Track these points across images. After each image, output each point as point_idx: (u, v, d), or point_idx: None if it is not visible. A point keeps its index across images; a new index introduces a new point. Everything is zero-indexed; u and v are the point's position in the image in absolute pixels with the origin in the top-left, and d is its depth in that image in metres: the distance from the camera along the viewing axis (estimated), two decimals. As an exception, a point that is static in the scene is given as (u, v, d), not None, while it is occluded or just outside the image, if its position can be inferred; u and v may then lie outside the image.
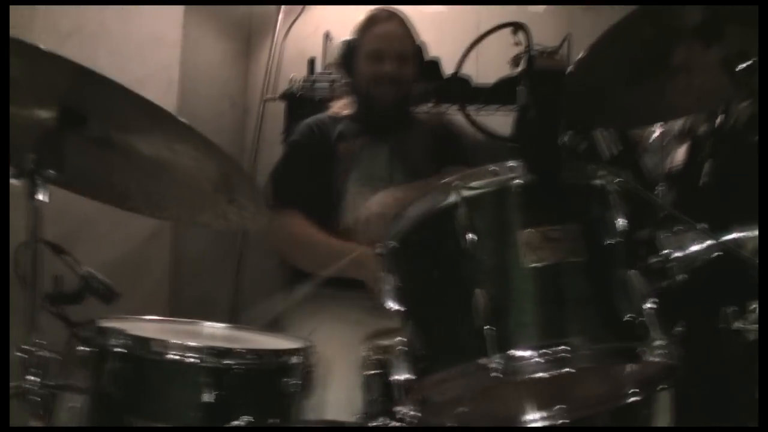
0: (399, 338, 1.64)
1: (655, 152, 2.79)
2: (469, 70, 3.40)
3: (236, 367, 1.72)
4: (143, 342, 1.72)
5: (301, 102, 3.82)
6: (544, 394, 1.68)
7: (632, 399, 1.65)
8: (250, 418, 1.72)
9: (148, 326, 1.97)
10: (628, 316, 1.44)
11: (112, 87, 1.47)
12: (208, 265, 4.11)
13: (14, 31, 2.58)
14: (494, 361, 1.39)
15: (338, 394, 2.12)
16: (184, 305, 3.77)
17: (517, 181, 1.49)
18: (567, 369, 1.40)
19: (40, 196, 1.57)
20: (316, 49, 4.13)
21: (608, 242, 1.50)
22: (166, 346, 1.70)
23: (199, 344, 1.72)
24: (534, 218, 1.48)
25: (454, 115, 3.35)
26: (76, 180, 1.79)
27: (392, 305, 1.63)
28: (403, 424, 1.71)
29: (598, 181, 1.55)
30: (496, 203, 1.51)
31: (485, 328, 1.41)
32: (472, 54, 1.69)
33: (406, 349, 1.61)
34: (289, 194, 2.75)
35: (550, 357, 1.39)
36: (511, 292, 1.45)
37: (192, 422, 1.70)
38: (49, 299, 1.73)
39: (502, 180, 1.51)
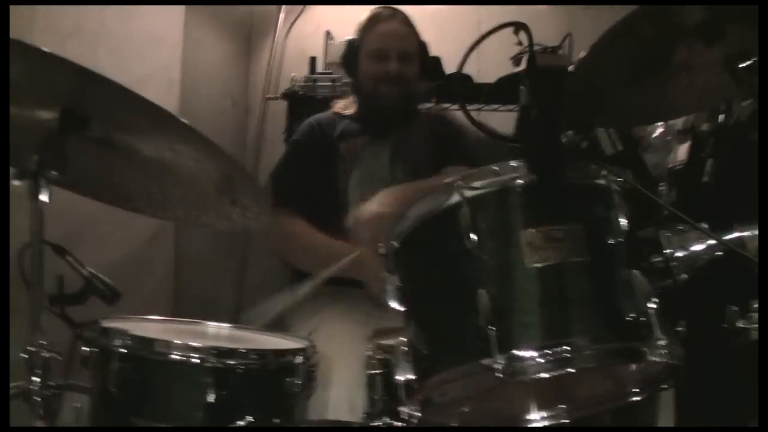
0: (401, 338, 1.64)
1: (657, 150, 2.80)
2: (470, 68, 3.38)
3: (239, 367, 1.72)
4: (147, 342, 1.72)
5: (302, 101, 3.83)
6: (546, 394, 1.69)
7: (635, 398, 1.66)
8: (252, 419, 1.72)
9: (151, 326, 1.97)
10: (630, 315, 1.44)
11: (114, 88, 1.47)
12: (210, 264, 4.11)
13: (15, 32, 2.58)
14: (497, 362, 1.39)
15: (341, 394, 2.13)
16: (187, 305, 3.77)
17: (520, 181, 1.49)
18: (569, 369, 1.40)
19: (43, 197, 1.57)
20: (316, 48, 4.14)
21: (610, 242, 1.50)
22: (169, 346, 1.71)
23: (203, 345, 1.72)
24: (536, 218, 1.48)
25: (456, 113, 3.35)
26: (79, 181, 1.79)
27: (395, 305, 1.63)
28: (405, 424, 1.71)
29: (600, 181, 1.55)
30: (498, 203, 1.51)
31: (488, 328, 1.41)
32: (473, 52, 1.69)
33: (409, 349, 1.61)
34: (288, 195, 2.75)
35: (553, 357, 1.39)
36: (514, 292, 1.45)
37: (195, 423, 1.71)
38: (52, 300, 1.73)
39: (504, 180, 1.51)
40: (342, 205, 2.79)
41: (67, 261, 1.81)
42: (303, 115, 3.16)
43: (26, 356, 1.54)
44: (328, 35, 4.07)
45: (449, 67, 3.65)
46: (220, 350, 1.72)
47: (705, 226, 1.58)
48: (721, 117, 2.36)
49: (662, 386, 1.64)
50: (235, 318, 4.09)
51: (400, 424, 1.78)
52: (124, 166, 1.76)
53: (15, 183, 1.58)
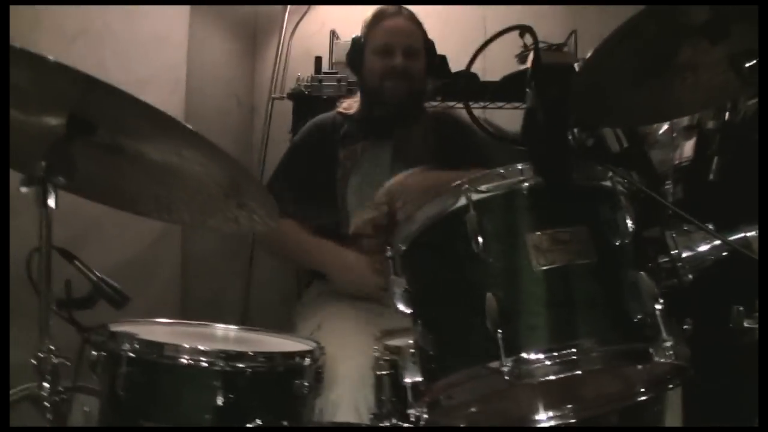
0: (409, 340, 1.65)
1: (663, 147, 2.79)
2: (476, 67, 3.36)
3: (247, 370, 1.73)
4: (156, 346, 1.73)
5: (308, 101, 3.82)
6: (554, 394, 1.69)
7: (642, 398, 1.66)
8: (260, 422, 1.73)
9: (159, 329, 1.98)
10: (637, 317, 1.44)
11: (119, 95, 1.47)
12: (218, 265, 4.12)
13: (19, 34, 2.61)
14: (504, 365, 1.40)
15: (346, 394, 2.13)
16: (195, 306, 3.78)
17: (526, 183, 1.50)
18: (576, 372, 1.41)
19: (51, 203, 1.58)
20: (322, 48, 4.13)
21: (617, 244, 1.50)
22: (177, 350, 1.71)
23: (211, 348, 1.72)
24: (543, 221, 1.49)
25: (465, 112, 3.34)
26: (86, 186, 1.79)
27: (402, 308, 1.64)
28: (412, 425, 1.72)
29: (606, 183, 1.56)
30: (505, 206, 1.52)
31: (495, 331, 1.41)
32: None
33: (416, 351, 1.61)
34: (285, 201, 2.74)
35: (560, 360, 1.40)
36: (521, 295, 1.46)
37: (204, 426, 1.71)
38: (60, 304, 1.74)
39: (510, 183, 1.51)
40: (341, 211, 2.79)
41: (75, 266, 1.81)
42: (309, 115, 3.16)
43: (35, 362, 1.54)
44: (334, 35, 4.07)
45: (454, 64, 3.65)
46: (228, 353, 1.72)
47: (710, 226, 1.58)
48: (726, 115, 2.35)
49: (669, 386, 1.64)
50: (243, 318, 4.13)
51: (407, 425, 1.79)
52: (131, 170, 1.76)
53: (23, 190, 1.58)
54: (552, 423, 1.73)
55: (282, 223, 2.68)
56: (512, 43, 1.73)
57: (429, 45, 2.94)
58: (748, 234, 1.57)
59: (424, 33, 2.93)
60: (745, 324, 1.60)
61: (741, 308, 1.62)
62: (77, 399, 1.85)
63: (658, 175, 2.63)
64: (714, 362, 1.94)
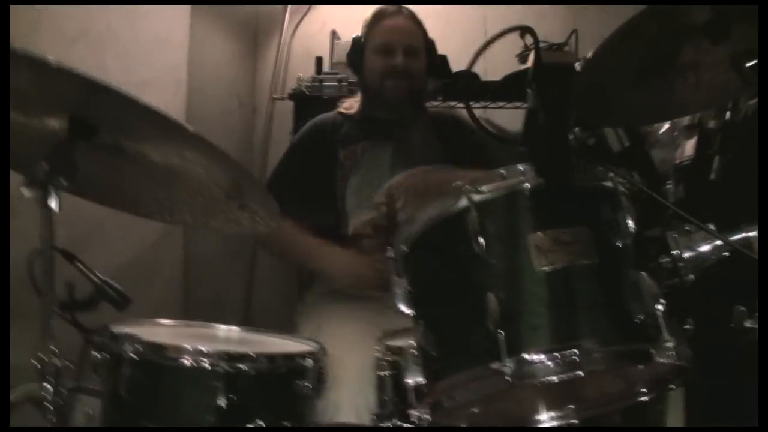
0: (410, 341, 1.65)
1: (664, 146, 2.79)
2: (476, 66, 3.37)
3: (249, 371, 1.73)
4: (158, 348, 1.73)
5: (309, 101, 3.83)
6: (556, 394, 1.69)
7: (644, 398, 1.66)
8: (262, 423, 1.73)
9: (162, 330, 1.98)
10: (639, 317, 1.45)
11: (121, 97, 1.47)
12: (219, 266, 4.12)
13: (21, 35, 2.61)
14: (506, 366, 1.40)
15: (348, 395, 2.13)
16: (196, 306, 3.78)
17: (527, 184, 1.50)
18: (578, 373, 1.41)
19: (53, 205, 1.58)
20: (323, 48, 4.13)
21: (618, 244, 1.51)
22: (180, 351, 1.71)
23: (213, 349, 1.72)
24: (544, 221, 1.49)
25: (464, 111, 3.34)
26: (88, 188, 1.79)
27: (403, 309, 1.64)
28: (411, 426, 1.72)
29: (607, 183, 1.56)
30: (506, 207, 1.52)
31: (497, 331, 1.41)
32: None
33: (418, 352, 1.61)
34: (283, 200, 2.73)
35: (562, 361, 1.40)
36: (522, 296, 1.46)
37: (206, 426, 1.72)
38: (62, 307, 1.74)
39: (512, 184, 1.51)
40: (340, 212, 2.79)
41: (77, 268, 1.81)
42: (309, 115, 3.16)
43: (38, 364, 1.55)
44: (335, 35, 4.07)
45: (455, 64, 3.65)
46: (230, 355, 1.72)
47: (711, 226, 1.58)
48: (727, 114, 2.35)
49: (671, 386, 1.64)
50: (245, 318, 4.13)
51: (408, 425, 1.79)
52: (133, 172, 1.76)
53: (25, 192, 1.58)
54: (553, 423, 1.73)
55: (280, 223, 2.70)
56: (513, 42, 1.73)
57: (429, 44, 2.94)
58: (750, 234, 1.57)
59: (424, 32, 2.93)
60: (747, 324, 1.60)
61: (742, 308, 1.62)
62: (79, 400, 1.85)
63: (659, 175, 2.64)
64: (716, 362, 1.94)
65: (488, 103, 3.68)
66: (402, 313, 1.64)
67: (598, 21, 3.90)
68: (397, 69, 2.82)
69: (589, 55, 1.63)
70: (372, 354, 2.01)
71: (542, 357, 1.40)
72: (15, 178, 1.68)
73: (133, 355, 1.72)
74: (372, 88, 2.89)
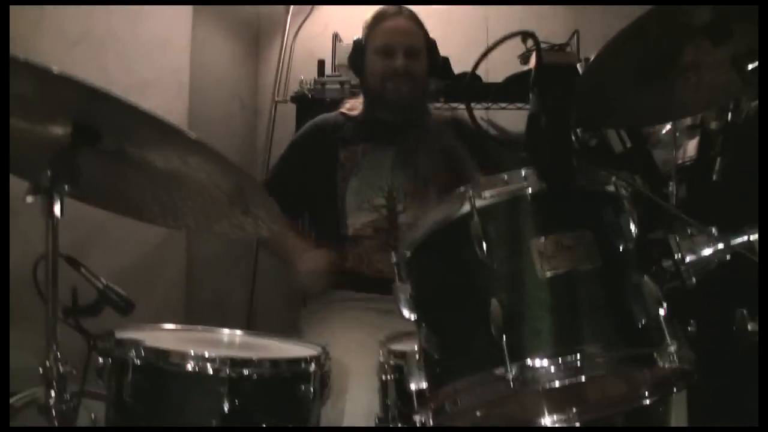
0: (413, 345, 1.65)
1: (666, 146, 2.80)
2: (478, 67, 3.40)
3: (253, 376, 1.73)
4: (162, 354, 1.74)
5: (311, 104, 3.83)
6: (558, 397, 1.69)
7: (647, 401, 1.67)
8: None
9: (165, 335, 1.98)
10: (641, 321, 1.45)
11: (124, 104, 1.47)
12: (222, 269, 4.12)
13: (23, 37, 2.61)
14: (509, 371, 1.40)
15: (355, 401, 2.13)
16: (199, 309, 3.79)
17: (529, 189, 1.50)
18: (581, 377, 1.41)
19: (57, 211, 1.58)
20: (325, 49, 4.14)
21: (620, 248, 1.50)
22: (183, 357, 1.72)
23: (217, 355, 1.73)
24: (546, 226, 1.49)
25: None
26: (92, 193, 1.80)
27: (406, 314, 1.64)
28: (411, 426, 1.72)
29: (609, 187, 1.56)
30: (508, 212, 1.52)
31: (500, 337, 1.42)
32: (480, 51, 1.69)
33: (421, 357, 1.61)
34: (281, 197, 2.73)
35: (565, 366, 1.40)
36: (525, 301, 1.45)
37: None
38: (66, 312, 1.75)
39: (514, 189, 1.51)
40: (340, 212, 2.79)
41: (81, 274, 1.82)
42: (312, 118, 3.16)
43: (42, 370, 1.55)
44: (337, 37, 4.07)
45: (457, 64, 3.65)
46: (234, 360, 1.73)
47: (713, 229, 1.58)
48: (729, 115, 2.35)
49: (674, 389, 1.64)
50: (248, 321, 4.14)
51: (408, 426, 1.79)
52: (136, 178, 1.77)
53: (29, 199, 1.58)
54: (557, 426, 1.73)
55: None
56: (515, 43, 1.74)
57: (431, 45, 2.93)
58: (752, 238, 1.57)
59: (425, 33, 2.92)
60: (749, 327, 1.60)
61: (744, 311, 1.62)
62: (84, 405, 1.86)
63: (661, 176, 2.64)
64: (718, 363, 1.94)
65: (490, 104, 3.68)
66: (405, 318, 1.64)
67: (599, 21, 3.90)
68: (398, 71, 2.81)
69: (592, 57, 1.63)
70: (376, 358, 2.01)
71: (545, 362, 1.40)
72: (18, 182, 1.69)
73: (136, 360, 1.73)
74: (373, 89, 2.89)
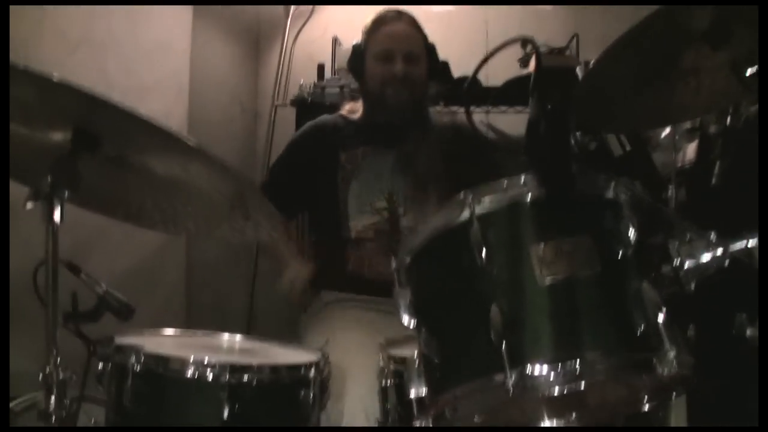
0: (413, 350, 1.65)
1: (665, 149, 2.80)
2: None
3: (254, 382, 1.73)
4: (161, 360, 1.74)
5: (311, 108, 3.83)
6: (558, 402, 1.69)
7: (647, 407, 1.67)
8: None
9: (165, 340, 1.98)
10: (641, 327, 1.45)
11: (122, 111, 1.48)
12: (222, 272, 4.12)
13: (22, 41, 2.62)
14: (509, 377, 1.40)
15: (355, 404, 2.14)
16: (199, 313, 3.79)
17: (529, 195, 1.50)
18: (581, 383, 1.41)
19: (57, 217, 1.59)
20: (325, 53, 4.14)
21: (620, 253, 1.50)
22: (183, 364, 1.72)
23: (216, 361, 1.73)
24: (546, 232, 1.48)
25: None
26: (92, 199, 1.81)
27: (407, 320, 1.64)
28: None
29: (609, 193, 1.56)
30: (508, 219, 1.52)
31: (499, 343, 1.42)
32: (480, 53, 1.69)
33: (420, 362, 1.62)
34: (277, 197, 2.73)
35: (564, 371, 1.40)
36: (525, 307, 1.45)
37: None
38: (66, 318, 1.75)
39: (513, 195, 1.51)
40: (341, 215, 2.79)
41: (82, 279, 1.82)
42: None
43: (42, 376, 1.55)
44: (336, 41, 4.07)
45: (457, 68, 3.65)
46: (233, 366, 1.73)
47: (712, 234, 1.58)
48: (728, 119, 2.36)
49: (674, 394, 1.65)
50: (248, 324, 4.14)
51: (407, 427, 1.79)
52: (136, 184, 1.77)
53: (29, 205, 1.59)
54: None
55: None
56: (514, 47, 1.73)
57: (430, 49, 2.93)
58: (751, 242, 1.57)
59: (424, 38, 2.92)
60: (748, 332, 1.60)
61: (744, 315, 1.62)
62: (84, 410, 1.86)
63: (660, 179, 2.64)
64: (718, 370, 1.94)
65: (490, 107, 3.68)
66: (405, 324, 1.64)
67: (599, 24, 3.90)
68: (398, 76, 2.80)
69: (592, 60, 1.63)
70: (376, 359, 2.01)
71: (545, 368, 1.40)
72: (18, 188, 1.69)
73: (136, 367, 1.73)
74: (373, 94, 2.89)
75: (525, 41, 1.62)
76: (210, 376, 1.70)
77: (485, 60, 1.62)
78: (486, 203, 1.51)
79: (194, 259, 3.79)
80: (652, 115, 1.97)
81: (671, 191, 2.59)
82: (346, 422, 2.15)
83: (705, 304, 1.78)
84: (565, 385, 1.40)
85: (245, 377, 1.72)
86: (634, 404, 1.69)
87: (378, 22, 2.90)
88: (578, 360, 1.40)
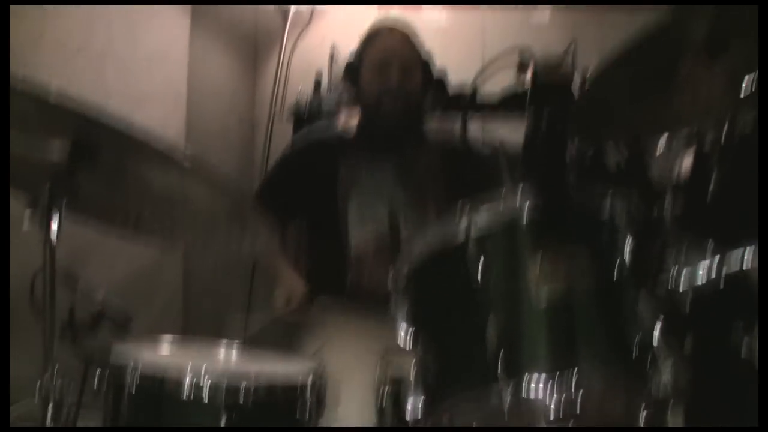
0: (412, 362, 1.65)
1: (662, 159, 2.80)
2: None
3: (250, 396, 1.73)
4: (157, 378, 1.73)
5: (308, 118, 3.83)
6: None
7: (642, 419, 1.67)
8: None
9: (162, 351, 1.98)
10: (637, 338, 1.45)
11: (122, 124, 1.48)
12: (220, 280, 4.12)
13: (22, 50, 2.62)
14: (505, 388, 1.40)
15: (351, 412, 2.13)
16: (196, 321, 3.78)
17: (525, 210, 1.51)
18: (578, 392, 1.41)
19: (54, 227, 1.59)
20: (322, 62, 4.13)
21: (616, 266, 1.51)
22: (179, 383, 1.71)
23: (212, 379, 1.72)
24: (542, 247, 1.49)
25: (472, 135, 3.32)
26: (90, 211, 1.81)
27: (404, 333, 1.64)
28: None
29: (606, 205, 1.56)
30: (505, 231, 1.53)
31: (496, 355, 1.42)
32: (477, 62, 1.70)
33: (418, 372, 1.62)
34: (272, 207, 2.73)
35: (561, 382, 1.40)
36: (522, 320, 1.46)
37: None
38: (63, 329, 1.75)
39: (510, 210, 1.52)
40: (342, 227, 2.79)
41: (79, 291, 1.82)
42: (309, 133, 3.15)
43: (39, 387, 1.55)
44: (334, 49, 4.07)
45: (454, 75, 3.65)
46: (229, 389, 1.72)
47: (709, 243, 1.59)
48: (726, 128, 2.36)
49: (671, 406, 1.65)
50: (245, 333, 4.12)
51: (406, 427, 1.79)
52: (135, 196, 1.77)
53: (27, 215, 1.59)
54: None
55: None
56: (511, 55, 1.74)
57: (426, 61, 2.91)
58: (748, 251, 1.57)
59: (420, 50, 2.91)
60: (746, 341, 1.61)
61: (742, 326, 1.62)
62: (81, 417, 1.86)
63: (657, 189, 2.64)
64: (715, 380, 1.94)
65: (486, 116, 3.67)
66: (402, 336, 1.64)
67: (597, 31, 3.90)
68: (393, 89, 2.79)
69: (589, 68, 1.64)
70: (374, 372, 2.01)
71: (542, 377, 1.41)
72: (18, 195, 1.69)
73: (132, 387, 1.72)
74: (368, 105, 2.87)
75: (522, 66, 1.63)
76: (206, 398, 1.70)
77: (480, 73, 1.63)
78: (483, 216, 1.52)
79: (191, 268, 3.78)
80: (649, 124, 1.97)
81: (667, 202, 2.58)
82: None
83: (702, 315, 1.77)
84: (560, 396, 1.40)
85: (242, 391, 1.72)
86: (631, 417, 1.69)
87: (373, 34, 2.89)
88: (575, 369, 1.40)
